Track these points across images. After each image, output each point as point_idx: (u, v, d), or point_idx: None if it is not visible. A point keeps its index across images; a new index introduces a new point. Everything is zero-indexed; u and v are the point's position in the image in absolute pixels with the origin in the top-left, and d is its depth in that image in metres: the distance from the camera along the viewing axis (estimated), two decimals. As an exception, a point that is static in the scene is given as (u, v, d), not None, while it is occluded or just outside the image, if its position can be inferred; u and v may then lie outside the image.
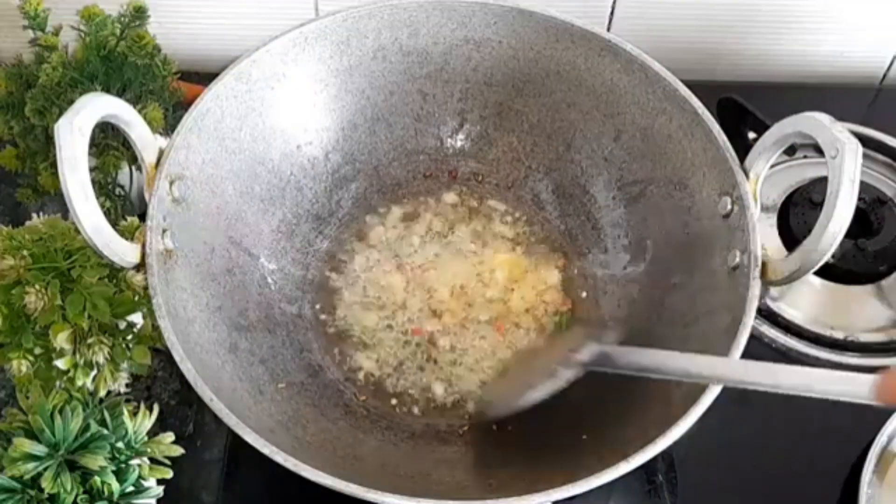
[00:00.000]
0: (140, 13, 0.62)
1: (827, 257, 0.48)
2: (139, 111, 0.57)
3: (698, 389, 0.46)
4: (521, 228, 0.67)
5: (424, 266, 0.64)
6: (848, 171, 0.46)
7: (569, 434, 0.54)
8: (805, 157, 0.77)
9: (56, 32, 0.63)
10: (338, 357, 0.61)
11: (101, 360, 0.52)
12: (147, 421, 0.52)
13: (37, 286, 0.51)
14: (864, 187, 0.72)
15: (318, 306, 0.63)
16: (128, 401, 0.53)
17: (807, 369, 0.44)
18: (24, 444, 0.47)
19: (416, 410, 0.59)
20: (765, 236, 0.62)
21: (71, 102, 0.46)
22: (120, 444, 0.50)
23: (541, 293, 0.64)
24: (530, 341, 0.62)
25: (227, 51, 0.61)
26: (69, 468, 0.48)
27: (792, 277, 0.50)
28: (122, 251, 0.48)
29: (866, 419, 0.59)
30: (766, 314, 0.68)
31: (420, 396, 0.59)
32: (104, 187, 0.63)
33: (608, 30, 0.82)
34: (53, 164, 0.45)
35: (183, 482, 0.57)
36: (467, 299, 0.63)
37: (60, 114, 0.45)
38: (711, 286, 0.54)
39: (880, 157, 0.78)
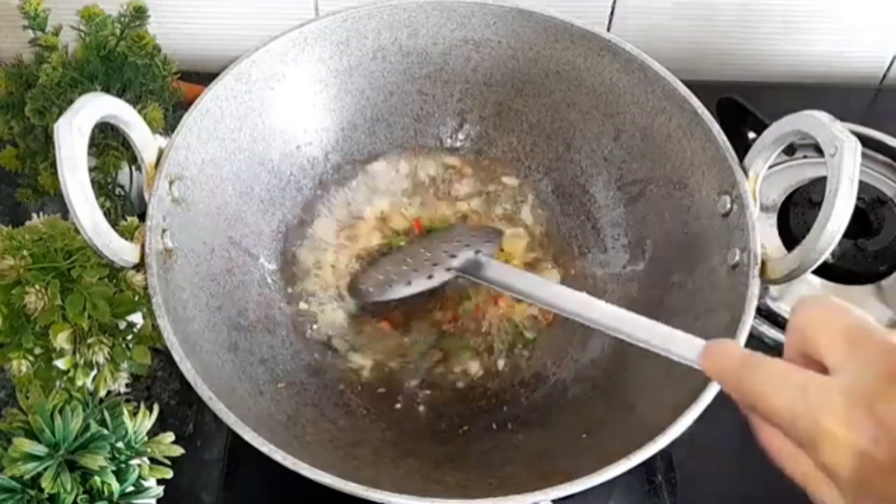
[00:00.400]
0: (140, 13, 0.62)
1: (826, 255, 0.48)
2: (139, 111, 0.57)
3: (698, 388, 0.46)
4: (520, 228, 0.66)
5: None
6: (847, 170, 0.46)
7: (569, 434, 0.54)
8: (805, 157, 0.77)
9: (56, 32, 0.63)
10: (338, 357, 0.61)
11: (101, 360, 0.52)
12: (147, 421, 0.52)
13: (37, 286, 0.51)
14: (864, 187, 0.72)
15: (318, 306, 0.63)
16: (128, 401, 0.54)
17: (637, 318, 0.45)
18: (24, 444, 0.47)
19: (415, 410, 0.59)
20: (765, 236, 0.62)
21: (71, 102, 0.46)
22: (120, 444, 0.50)
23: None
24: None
25: (226, 51, 0.61)
26: (69, 468, 0.48)
27: (791, 276, 0.50)
28: (122, 251, 0.48)
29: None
30: (765, 314, 0.68)
31: (420, 396, 0.59)
32: (104, 187, 0.63)
33: (608, 30, 0.82)
34: (53, 164, 0.45)
35: (183, 482, 0.57)
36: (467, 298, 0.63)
37: (60, 114, 0.45)
38: (711, 285, 0.54)
39: (880, 157, 0.78)
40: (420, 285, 0.58)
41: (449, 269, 0.57)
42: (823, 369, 0.32)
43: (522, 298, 0.53)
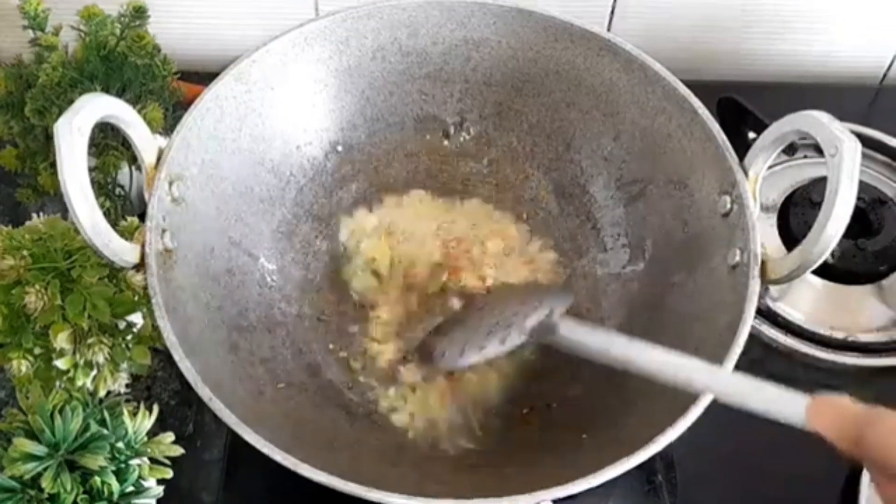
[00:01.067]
0: (140, 13, 0.62)
1: (826, 255, 0.48)
2: (139, 111, 0.57)
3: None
4: (520, 228, 0.66)
5: (424, 266, 0.64)
6: (847, 170, 0.46)
7: (569, 433, 0.54)
8: (805, 157, 0.77)
9: (56, 32, 0.63)
10: (338, 357, 0.61)
11: (101, 360, 0.52)
12: (147, 421, 0.52)
13: (37, 286, 0.51)
14: (864, 187, 0.73)
15: (318, 306, 0.63)
16: (128, 401, 0.54)
17: (742, 378, 0.42)
18: (24, 444, 0.47)
19: (416, 409, 0.59)
20: (765, 236, 0.62)
21: (71, 102, 0.46)
22: (120, 444, 0.50)
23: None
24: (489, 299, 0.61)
25: (226, 51, 0.61)
26: (69, 468, 0.48)
27: (792, 276, 0.50)
28: (122, 251, 0.48)
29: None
30: (766, 314, 0.68)
31: (419, 395, 0.59)
32: (104, 187, 0.63)
33: (608, 29, 0.82)
34: (53, 164, 0.45)
35: (183, 482, 0.57)
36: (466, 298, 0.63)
37: (60, 114, 0.45)
38: (711, 285, 0.54)
39: (880, 157, 0.78)
40: (493, 350, 0.54)
41: (521, 333, 0.53)
42: None
43: (603, 361, 0.48)
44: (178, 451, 0.53)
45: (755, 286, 0.50)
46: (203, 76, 0.60)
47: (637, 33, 0.80)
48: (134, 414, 0.52)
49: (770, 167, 0.54)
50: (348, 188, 0.67)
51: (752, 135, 0.72)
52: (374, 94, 0.65)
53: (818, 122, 0.48)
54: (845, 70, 0.87)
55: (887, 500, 0.33)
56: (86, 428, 0.49)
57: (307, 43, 0.60)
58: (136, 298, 0.54)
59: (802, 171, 0.76)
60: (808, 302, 0.69)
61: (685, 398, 0.46)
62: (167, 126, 0.61)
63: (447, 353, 0.55)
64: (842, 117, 0.49)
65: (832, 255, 0.49)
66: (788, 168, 0.76)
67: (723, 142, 0.54)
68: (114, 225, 0.48)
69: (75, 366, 0.52)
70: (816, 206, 0.70)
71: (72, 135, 0.44)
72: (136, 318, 0.56)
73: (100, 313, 0.52)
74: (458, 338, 0.56)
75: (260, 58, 0.58)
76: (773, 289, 0.69)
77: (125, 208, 0.65)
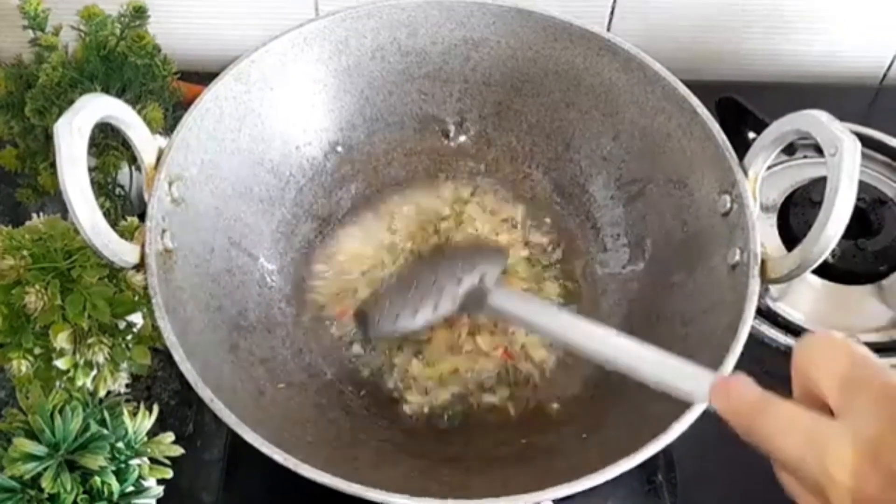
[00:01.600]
0: (140, 13, 0.62)
1: (826, 255, 0.48)
2: (139, 111, 0.58)
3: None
4: (520, 227, 0.66)
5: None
6: (847, 169, 0.46)
7: (569, 433, 0.54)
8: (805, 156, 0.77)
9: (56, 32, 0.63)
10: (337, 357, 0.61)
11: (101, 360, 0.52)
12: (147, 421, 0.52)
13: (37, 286, 0.51)
14: (864, 187, 0.72)
15: (317, 306, 0.63)
16: (128, 401, 0.53)
17: (644, 348, 0.42)
18: (24, 444, 0.47)
19: (416, 409, 0.59)
20: (765, 236, 0.62)
21: (71, 102, 0.46)
22: (120, 444, 0.50)
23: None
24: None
25: (226, 51, 0.61)
26: (69, 468, 0.48)
27: (792, 275, 0.50)
28: (122, 251, 0.48)
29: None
30: (766, 314, 0.68)
31: (420, 395, 0.59)
32: (104, 187, 0.63)
33: (608, 29, 0.82)
34: (53, 164, 0.45)
35: (183, 482, 0.57)
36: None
37: (60, 114, 0.45)
38: (711, 284, 0.54)
39: (880, 157, 0.78)
40: (426, 316, 0.55)
41: (454, 300, 0.54)
42: (830, 410, 0.32)
43: (528, 329, 0.50)
44: (178, 451, 0.53)
45: (755, 285, 0.50)
46: (203, 76, 0.60)
47: (637, 33, 0.80)
48: (134, 414, 0.52)
49: (770, 167, 0.54)
50: (348, 188, 0.67)
51: (751, 135, 0.72)
52: (374, 94, 0.65)
53: (818, 122, 0.48)
54: (845, 70, 0.87)
55: (784, 484, 0.34)
56: (86, 428, 0.49)
57: (306, 43, 0.60)
58: (136, 298, 0.54)
59: (802, 171, 0.76)
60: (808, 302, 0.69)
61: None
62: (167, 126, 0.61)
63: (381, 319, 0.56)
64: (842, 117, 0.49)
65: (832, 255, 0.49)
66: (788, 168, 0.76)
67: (722, 141, 0.54)
68: (114, 225, 0.48)
69: (75, 366, 0.52)
70: (816, 205, 0.70)
71: (72, 135, 0.44)
72: (136, 318, 0.56)
73: (100, 313, 0.52)
74: (395, 303, 0.56)
75: (259, 58, 0.58)
76: (773, 289, 0.69)
77: (125, 208, 0.65)
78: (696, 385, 0.38)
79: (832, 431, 0.30)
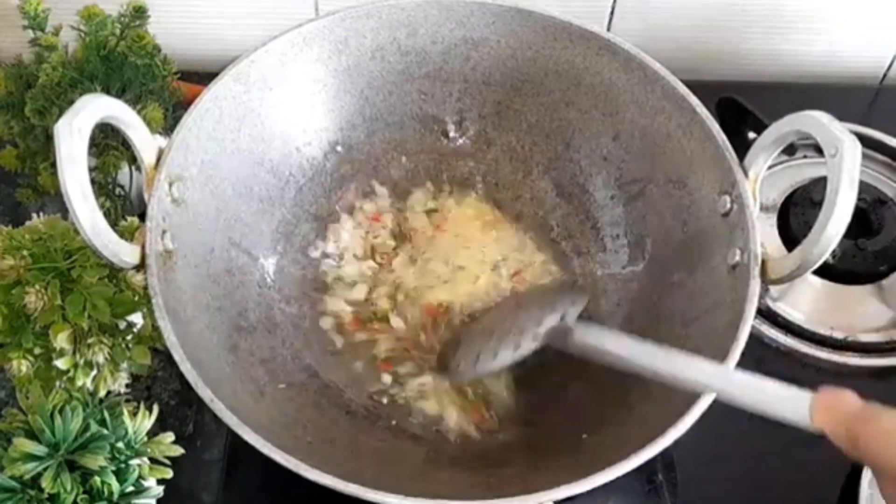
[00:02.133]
0: (140, 13, 0.62)
1: (827, 255, 0.48)
2: (139, 111, 0.58)
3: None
4: (520, 227, 0.66)
5: (423, 265, 0.64)
6: (847, 169, 0.46)
7: (569, 434, 0.54)
8: (805, 157, 0.77)
9: (56, 32, 0.63)
10: (338, 357, 0.61)
11: (101, 360, 0.52)
12: (147, 421, 0.52)
13: (37, 286, 0.51)
14: (864, 187, 0.72)
15: (317, 306, 0.63)
16: (128, 401, 0.53)
17: (747, 377, 0.41)
18: (24, 444, 0.47)
19: (416, 409, 0.59)
20: (765, 236, 0.62)
21: (71, 102, 0.46)
22: (120, 444, 0.50)
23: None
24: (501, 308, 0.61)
25: (226, 51, 0.61)
26: (69, 468, 0.48)
27: (792, 276, 0.50)
28: (122, 252, 0.48)
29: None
30: (766, 314, 0.68)
31: (420, 395, 0.59)
32: (104, 187, 0.63)
33: (608, 29, 0.82)
34: (53, 164, 0.45)
35: (183, 482, 0.57)
36: (468, 298, 0.63)
37: (60, 114, 0.45)
38: (711, 285, 0.54)
39: (880, 157, 0.78)
40: (507, 357, 0.54)
41: (535, 338, 0.53)
42: None
43: (618, 366, 0.49)
44: (178, 451, 0.53)
45: (755, 286, 0.50)
46: (203, 76, 0.60)
47: (637, 33, 0.80)
48: (134, 414, 0.52)
49: (770, 167, 0.54)
50: (347, 188, 0.67)
51: (752, 135, 0.72)
52: (374, 94, 0.65)
53: (818, 122, 0.48)
54: (845, 70, 0.87)
55: (887, 498, 0.33)
56: (86, 428, 0.49)
57: (306, 43, 0.60)
58: (136, 298, 0.54)
59: (802, 171, 0.76)
60: (809, 302, 0.69)
61: (685, 398, 0.46)
62: (167, 126, 0.61)
63: (462, 364, 0.56)
64: (842, 117, 0.49)
65: (832, 255, 0.49)
66: (788, 168, 0.76)
67: (722, 141, 0.54)
68: (114, 225, 0.48)
69: (75, 366, 0.52)
70: (816, 206, 0.70)
71: (72, 136, 0.44)
72: (136, 318, 0.56)
73: (100, 313, 0.52)
74: (472, 346, 0.56)
75: (259, 58, 0.58)
76: (774, 289, 0.69)
77: (125, 208, 0.65)
78: (797, 406, 0.37)
79: None
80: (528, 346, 0.53)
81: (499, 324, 0.57)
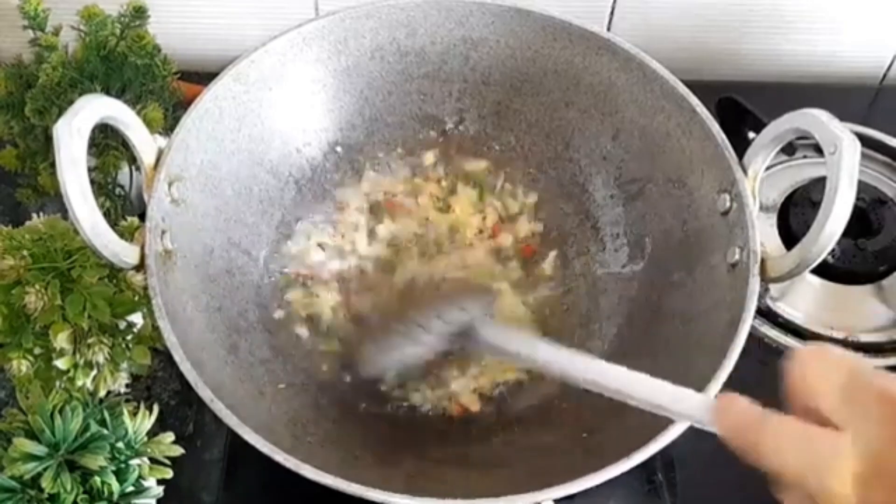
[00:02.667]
0: (140, 13, 0.62)
1: (826, 254, 0.48)
2: (139, 111, 0.58)
3: (697, 388, 0.46)
4: (520, 227, 0.66)
5: (423, 265, 0.64)
6: (846, 168, 0.46)
7: (569, 433, 0.54)
8: (805, 156, 0.77)
9: (56, 32, 0.63)
10: (337, 357, 0.61)
11: (101, 360, 0.52)
12: (147, 421, 0.52)
13: (37, 286, 0.51)
14: (864, 187, 0.72)
15: (317, 306, 0.63)
16: (128, 401, 0.54)
17: (637, 376, 0.40)
18: (24, 444, 0.47)
19: (416, 410, 0.59)
20: (765, 236, 0.62)
21: (71, 102, 0.46)
22: (120, 444, 0.50)
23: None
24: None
25: (226, 51, 0.61)
26: (69, 468, 0.48)
27: (792, 274, 0.50)
28: (122, 252, 0.48)
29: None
30: (766, 314, 0.68)
31: (420, 395, 0.59)
32: (104, 187, 0.63)
33: (608, 29, 0.82)
34: (53, 164, 0.45)
35: (183, 482, 0.57)
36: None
37: (60, 114, 0.45)
38: (711, 283, 0.54)
39: (880, 156, 0.78)
40: (413, 356, 0.54)
41: (441, 338, 0.53)
42: (826, 422, 0.31)
43: (521, 363, 0.51)
44: (178, 451, 0.53)
45: (755, 284, 0.50)
46: (203, 76, 0.60)
47: (637, 33, 0.80)
48: (134, 414, 0.52)
49: (770, 167, 0.54)
50: (347, 188, 0.66)
51: (751, 134, 0.72)
52: (373, 94, 0.65)
53: (817, 121, 0.48)
54: (845, 70, 0.87)
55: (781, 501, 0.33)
56: (86, 428, 0.49)
57: (305, 43, 0.60)
58: (136, 298, 0.54)
59: (802, 171, 0.76)
60: (808, 302, 0.69)
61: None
62: (167, 126, 0.61)
63: (369, 360, 0.57)
64: (842, 117, 0.49)
65: (832, 254, 0.49)
66: (788, 168, 0.76)
67: (722, 140, 0.54)
68: (114, 225, 0.48)
69: (75, 366, 0.52)
70: (816, 205, 0.69)
71: (71, 136, 0.44)
72: (136, 318, 0.56)
73: (100, 313, 0.52)
74: (381, 343, 0.56)
75: (258, 58, 0.58)
76: (773, 288, 0.69)
77: (125, 208, 0.65)
78: (694, 407, 0.37)
79: (834, 444, 0.30)
80: (433, 344, 0.53)
81: (411, 319, 0.55)
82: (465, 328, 0.52)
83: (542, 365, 0.47)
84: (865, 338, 0.68)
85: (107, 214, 0.62)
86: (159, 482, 0.53)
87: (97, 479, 0.49)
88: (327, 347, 0.61)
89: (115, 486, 0.49)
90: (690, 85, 0.57)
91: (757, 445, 0.32)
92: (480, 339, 0.51)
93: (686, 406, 0.38)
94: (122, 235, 0.49)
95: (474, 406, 0.59)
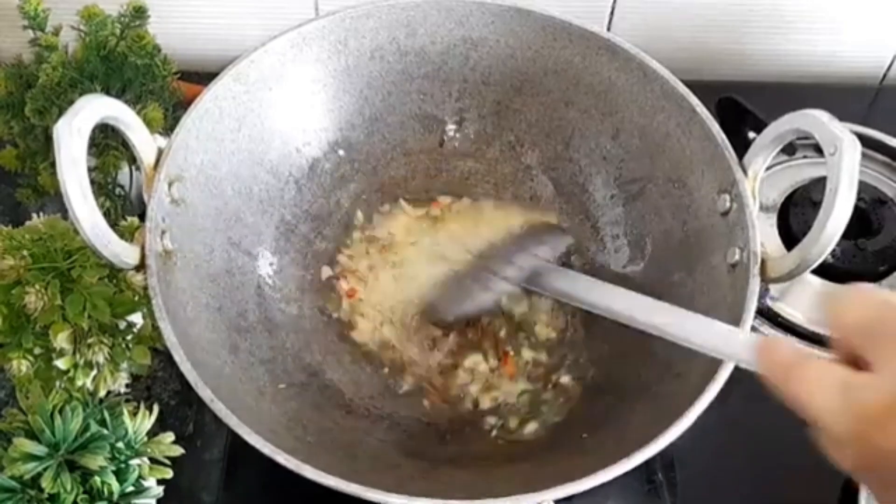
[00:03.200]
0: (140, 13, 0.62)
1: (826, 254, 0.48)
2: (139, 111, 0.58)
3: (698, 388, 0.46)
4: (519, 227, 0.67)
5: (423, 265, 0.64)
6: (847, 168, 0.46)
7: (569, 433, 0.54)
8: (805, 157, 0.76)
9: (56, 32, 0.63)
10: (338, 357, 0.61)
11: (101, 360, 0.52)
12: (147, 421, 0.52)
13: (37, 286, 0.51)
14: (864, 187, 0.72)
15: (317, 306, 0.63)
16: (128, 401, 0.54)
17: (691, 315, 0.45)
18: (24, 444, 0.47)
19: (416, 410, 0.59)
20: (765, 236, 0.62)
21: (71, 103, 0.46)
22: (120, 444, 0.50)
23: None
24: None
25: (226, 51, 0.61)
26: (69, 468, 0.48)
27: (792, 274, 0.50)
28: (122, 252, 0.48)
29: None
30: (766, 314, 0.68)
31: (421, 395, 0.59)
32: (104, 187, 0.63)
33: (608, 29, 0.82)
34: (53, 164, 0.45)
35: (183, 482, 0.57)
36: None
37: (60, 114, 0.45)
38: (711, 284, 0.54)
39: (880, 157, 0.78)
40: (486, 299, 0.59)
41: (509, 281, 0.59)
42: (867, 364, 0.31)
43: (585, 307, 0.53)
44: (178, 451, 0.53)
45: (755, 284, 0.50)
46: (203, 76, 0.60)
47: (637, 33, 0.80)
48: (134, 414, 0.52)
49: (770, 167, 0.54)
50: (347, 188, 0.67)
51: (752, 135, 0.72)
52: (373, 94, 0.65)
53: (817, 121, 0.48)
54: (845, 70, 0.87)
55: (823, 449, 0.33)
56: (86, 428, 0.49)
57: (305, 43, 0.60)
58: (137, 298, 0.54)
59: (802, 171, 0.75)
60: (809, 302, 0.69)
61: (686, 397, 0.46)
62: (167, 126, 0.61)
63: (441, 307, 0.60)
64: (842, 117, 0.49)
65: (832, 255, 0.48)
66: (788, 168, 0.76)
67: (722, 140, 0.54)
68: (114, 225, 0.48)
69: (75, 366, 0.52)
70: (816, 205, 0.69)
71: (71, 136, 0.44)
72: (136, 318, 0.56)
73: (100, 313, 0.52)
74: (454, 290, 0.61)
75: (258, 58, 0.58)
76: (773, 289, 0.69)
77: (125, 208, 0.65)
78: (739, 346, 0.40)
79: (863, 382, 0.30)
80: (505, 288, 0.58)
81: (481, 266, 0.61)
82: (533, 272, 0.56)
83: (605, 308, 0.50)
84: (865, 338, 0.67)
85: (107, 214, 0.62)
86: (159, 482, 0.53)
87: (97, 479, 0.49)
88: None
89: (115, 486, 0.49)
90: (690, 85, 0.57)
91: (790, 384, 0.33)
92: (548, 284, 0.56)
93: (731, 345, 0.40)
94: (122, 235, 0.49)
95: (474, 407, 0.59)
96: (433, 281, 0.62)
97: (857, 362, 0.32)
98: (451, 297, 0.60)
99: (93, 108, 0.46)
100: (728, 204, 0.54)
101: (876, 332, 0.31)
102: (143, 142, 0.51)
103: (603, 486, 0.44)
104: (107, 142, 0.62)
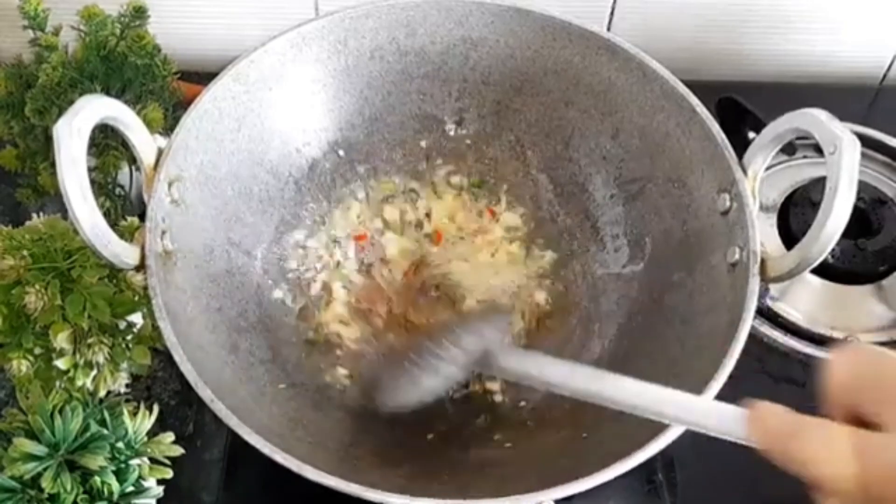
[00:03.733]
0: (140, 13, 0.62)
1: (826, 253, 0.48)
2: (139, 111, 0.58)
3: (698, 388, 0.46)
4: (519, 227, 0.67)
5: (423, 265, 0.64)
6: (846, 167, 0.46)
7: (569, 433, 0.54)
8: (805, 157, 0.77)
9: (56, 32, 0.63)
10: (338, 357, 0.61)
11: (101, 360, 0.53)
12: (147, 421, 0.52)
13: (37, 286, 0.51)
14: (864, 187, 0.72)
15: (317, 306, 0.63)
16: (128, 401, 0.54)
17: (669, 392, 0.39)
18: (24, 444, 0.47)
19: (416, 410, 0.59)
20: (765, 236, 0.62)
21: (71, 103, 0.46)
22: (120, 444, 0.50)
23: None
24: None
25: (226, 51, 0.61)
26: (69, 468, 0.48)
27: (791, 274, 0.50)
28: (122, 252, 0.48)
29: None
30: (766, 314, 0.68)
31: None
32: (104, 187, 0.63)
33: (608, 29, 0.82)
34: (53, 164, 0.45)
35: (183, 482, 0.57)
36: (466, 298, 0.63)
37: (60, 114, 0.45)
38: (710, 283, 0.54)
39: (880, 156, 0.78)
40: (433, 386, 0.51)
41: (458, 366, 0.50)
42: (867, 424, 0.30)
43: (539, 385, 0.48)
44: (178, 451, 0.53)
45: (755, 284, 0.50)
46: (203, 76, 0.60)
47: (637, 33, 0.80)
48: (134, 414, 0.52)
49: (770, 167, 0.54)
50: (347, 188, 0.67)
51: (751, 134, 0.72)
52: (373, 94, 0.65)
53: (817, 121, 0.48)
54: (845, 70, 0.87)
55: None
56: (86, 428, 0.49)
57: (305, 43, 0.60)
58: (137, 298, 0.54)
59: (802, 171, 0.76)
60: (808, 302, 0.69)
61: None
62: (167, 126, 0.61)
63: (386, 394, 0.53)
64: (842, 117, 0.49)
65: (832, 254, 0.48)
66: (788, 168, 0.76)
67: (721, 140, 0.54)
68: (114, 225, 0.48)
69: (75, 366, 0.52)
70: (816, 205, 0.69)
71: (71, 136, 0.44)
72: (136, 318, 0.56)
73: (100, 313, 0.52)
74: (397, 375, 0.53)
75: (258, 58, 0.58)
76: (773, 288, 0.69)
77: (125, 208, 0.65)
78: (727, 420, 0.36)
79: (880, 442, 0.29)
80: (455, 375, 0.51)
81: (427, 350, 0.52)
82: (483, 354, 0.49)
83: (562, 386, 0.45)
84: (865, 338, 0.68)
85: (107, 214, 0.62)
86: (159, 482, 0.53)
87: (97, 479, 0.49)
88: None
89: (115, 486, 0.49)
90: (690, 85, 0.57)
91: (794, 454, 0.31)
92: (498, 365, 0.49)
93: (718, 420, 0.36)
94: (122, 235, 0.49)
95: (474, 407, 0.59)
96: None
97: (856, 421, 0.31)
98: (391, 384, 0.53)
99: (93, 108, 0.46)
100: (728, 203, 0.54)
101: (878, 388, 0.30)
102: (143, 142, 0.51)
103: (603, 486, 0.44)
104: (107, 142, 0.62)
